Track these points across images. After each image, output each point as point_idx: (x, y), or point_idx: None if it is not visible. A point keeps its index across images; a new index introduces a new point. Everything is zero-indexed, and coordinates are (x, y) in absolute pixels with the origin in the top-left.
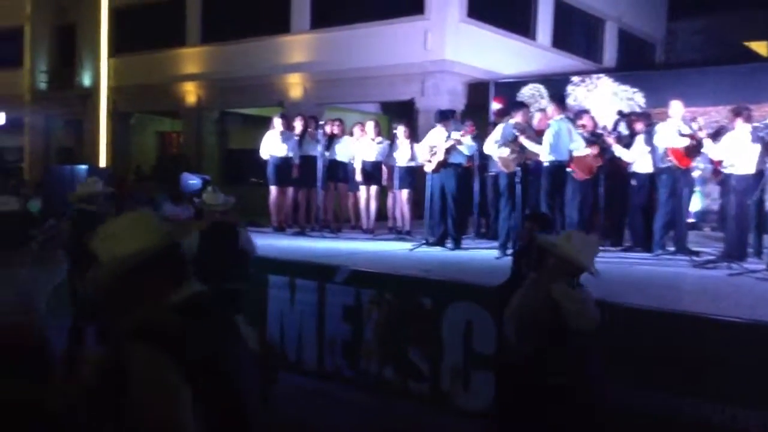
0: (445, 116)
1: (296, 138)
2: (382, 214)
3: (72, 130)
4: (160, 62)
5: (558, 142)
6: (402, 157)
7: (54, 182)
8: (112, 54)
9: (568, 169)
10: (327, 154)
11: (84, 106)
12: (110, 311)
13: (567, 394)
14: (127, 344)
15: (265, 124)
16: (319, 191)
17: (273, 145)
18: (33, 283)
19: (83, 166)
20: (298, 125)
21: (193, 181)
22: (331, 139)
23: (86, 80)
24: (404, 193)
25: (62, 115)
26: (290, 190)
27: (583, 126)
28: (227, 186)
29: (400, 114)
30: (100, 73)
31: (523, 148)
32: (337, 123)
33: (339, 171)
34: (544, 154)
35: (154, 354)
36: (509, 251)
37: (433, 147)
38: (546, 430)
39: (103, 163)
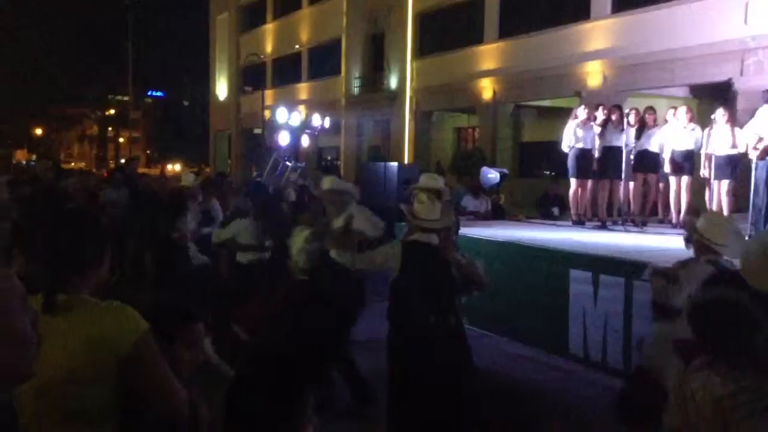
0: None
1: (598, 128)
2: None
3: (380, 130)
4: (458, 61)
5: None
6: (721, 145)
7: (368, 178)
8: (415, 57)
9: None
10: (636, 143)
11: (391, 107)
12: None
13: None
14: None
15: (559, 115)
16: (623, 183)
17: (574, 137)
18: None
19: (394, 164)
20: (600, 115)
21: (492, 174)
22: (641, 128)
23: (393, 83)
24: (723, 184)
25: (372, 116)
26: (590, 183)
27: None
28: (521, 179)
29: (712, 97)
30: (405, 75)
31: None
32: (649, 111)
33: (649, 161)
34: None
35: None
36: None
37: (760, 131)
38: None
39: (406, 159)
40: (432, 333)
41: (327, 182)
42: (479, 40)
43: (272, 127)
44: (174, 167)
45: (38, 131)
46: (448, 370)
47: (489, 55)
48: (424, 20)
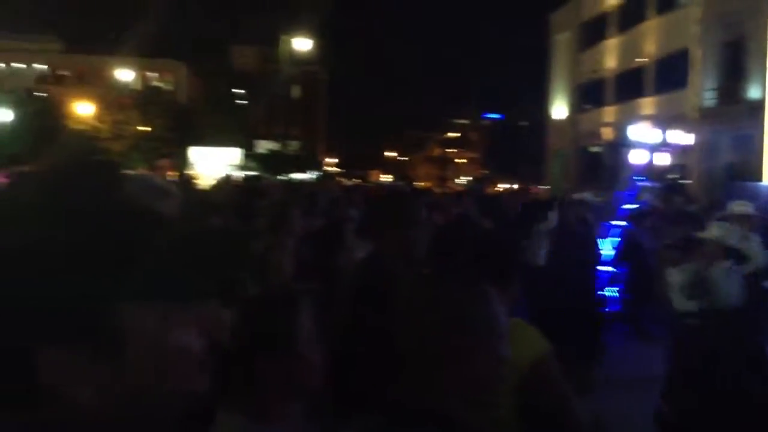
0: None
1: None
2: None
3: (739, 145)
4: None
5: None
6: None
7: (732, 200)
8: None
9: None
10: None
11: (752, 119)
12: None
13: None
14: None
15: None
16: None
17: None
18: None
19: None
20: None
21: None
22: None
23: (754, 93)
24: None
25: (728, 130)
26: None
27: None
28: None
29: None
30: None
31: None
32: None
33: None
34: None
35: None
36: None
37: None
38: None
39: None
40: None
41: None
42: None
43: (621, 144)
44: (511, 187)
45: (391, 154)
46: None
47: None
48: None
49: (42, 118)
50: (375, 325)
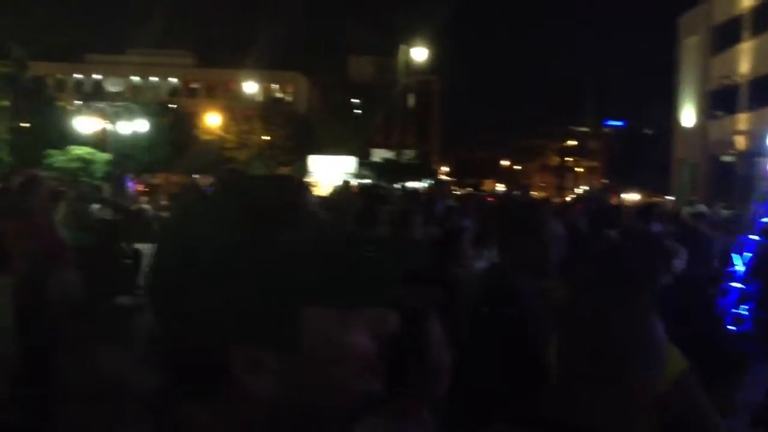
0: None
1: None
2: None
3: None
4: None
5: None
6: None
7: None
8: None
9: None
10: None
11: None
12: None
13: None
14: None
15: None
16: None
17: None
18: None
19: None
20: None
21: None
22: None
23: None
24: None
25: None
26: None
27: None
28: None
29: None
30: None
31: None
32: None
33: None
34: None
35: None
36: None
37: None
38: None
39: None
40: None
41: None
42: None
43: (757, 154)
44: (631, 196)
45: (505, 162)
46: None
47: None
48: None
49: (175, 128)
50: (497, 334)
